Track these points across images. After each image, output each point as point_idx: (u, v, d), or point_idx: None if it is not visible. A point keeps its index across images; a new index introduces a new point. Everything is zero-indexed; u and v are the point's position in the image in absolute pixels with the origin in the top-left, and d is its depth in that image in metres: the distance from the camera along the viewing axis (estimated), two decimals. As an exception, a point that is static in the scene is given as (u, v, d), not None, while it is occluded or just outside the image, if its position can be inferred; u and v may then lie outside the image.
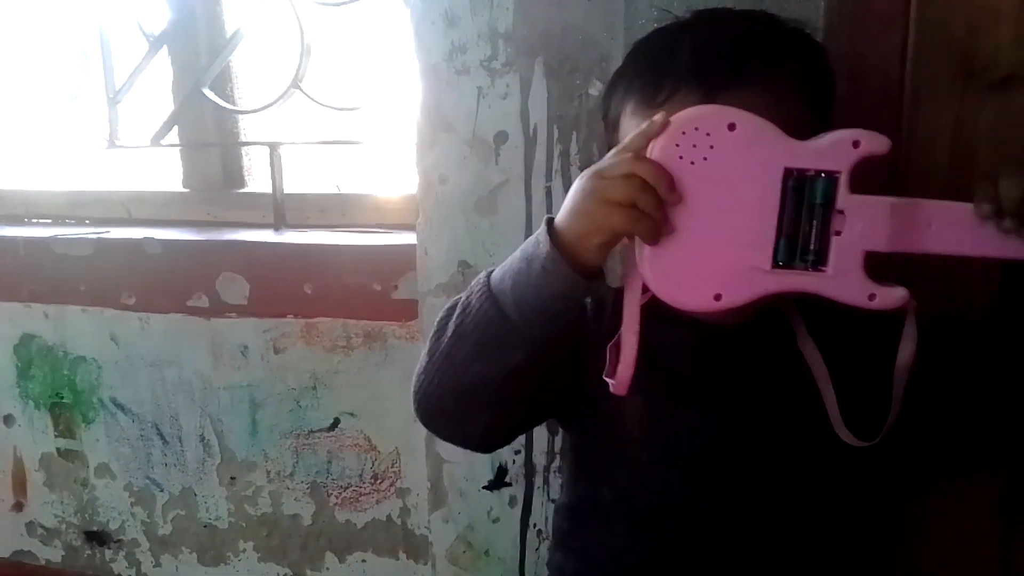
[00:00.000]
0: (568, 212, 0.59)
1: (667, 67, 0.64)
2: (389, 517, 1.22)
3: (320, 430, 1.23)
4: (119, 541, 1.40)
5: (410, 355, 1.14)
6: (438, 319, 0.67)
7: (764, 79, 0.62)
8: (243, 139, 1.41)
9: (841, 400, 0.66)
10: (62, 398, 1.37)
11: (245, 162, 1.43)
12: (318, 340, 1.20)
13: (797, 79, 0.64)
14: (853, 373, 0.67)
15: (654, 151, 0.56)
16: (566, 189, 0.65)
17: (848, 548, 0.75)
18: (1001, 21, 0.76)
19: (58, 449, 1.40)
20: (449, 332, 0.65)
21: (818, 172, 0.55)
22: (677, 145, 0.55)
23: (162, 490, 1.34)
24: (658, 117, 0.56)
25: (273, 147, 1.29)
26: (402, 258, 1.10)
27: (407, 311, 1.12)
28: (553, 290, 0.59)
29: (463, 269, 0.98)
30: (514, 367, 0.63)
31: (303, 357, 1.21)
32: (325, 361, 1.20)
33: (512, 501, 1.03)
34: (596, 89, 0.89)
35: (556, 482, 1.01)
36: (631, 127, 0.65)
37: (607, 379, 0.62)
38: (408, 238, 1.08)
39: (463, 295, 0.66)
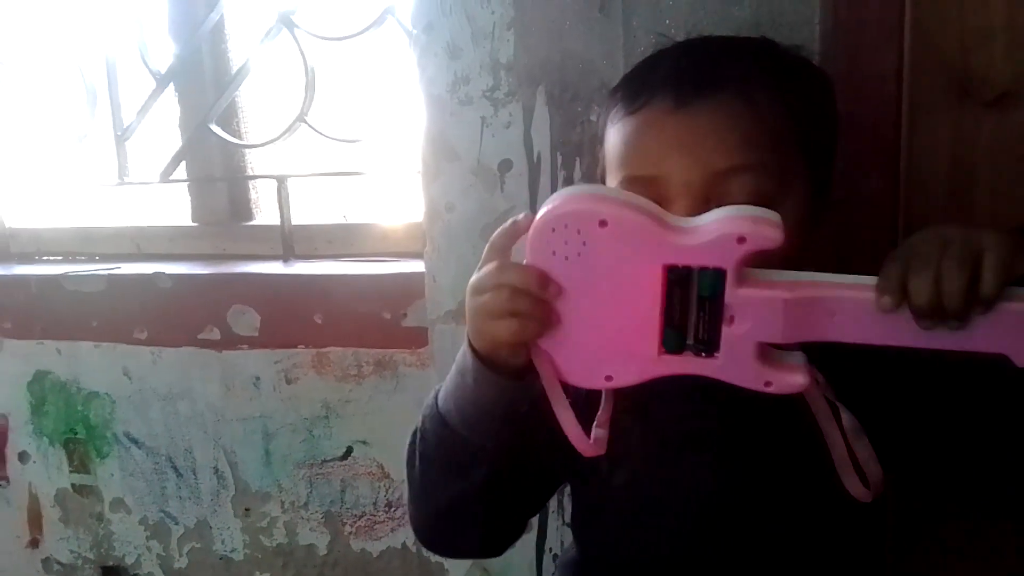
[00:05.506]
0: (469, 330, 0.59)
1: (647, 77, 0.64)
2: (404, 545, 1.22)
3: (333, 459, 1.23)
4: (136, 575, 1.40)
5: (421, 382, 1.15)
6: (407, 445, 0.67)
7: (739, 86, 0.60)
8: (250, 172, 1.43)
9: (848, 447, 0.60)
10: (76, 434, 1.38)
11: (252, 195, 1.44)
12: (329, 369, 1.21)
13: (779, 89, 0.61)
14: (863, 417, 0.60)
15: (526, 253, 0.55)
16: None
17: None
18: (993, 39, 0.78)
19: (73, 485, 1.40)
20: (417, 460, 0.66)
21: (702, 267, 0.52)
22: (548, 242, 0.53)
23: (177, 523, 1.35)
24: (520, 217, 0.55)
25: (280, 180, 1.31)
26: (410, 286, 1.10)
27: (417, 338, 1.13)
28: (490, 398, 0.59)
29: (471, 296, 0.99)
30: (484, 480, 0.62)
31: (315, 387, 1.22)
32: (337, 390, 1.21)
33: (527, 526, 1.03)
34: (597, 116, 0.90)
35: (570, 507, 1.01)
36: (611, 134, 0.66)
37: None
38: (416, 266, 1.09)
39: (419, 420, 0.66)
